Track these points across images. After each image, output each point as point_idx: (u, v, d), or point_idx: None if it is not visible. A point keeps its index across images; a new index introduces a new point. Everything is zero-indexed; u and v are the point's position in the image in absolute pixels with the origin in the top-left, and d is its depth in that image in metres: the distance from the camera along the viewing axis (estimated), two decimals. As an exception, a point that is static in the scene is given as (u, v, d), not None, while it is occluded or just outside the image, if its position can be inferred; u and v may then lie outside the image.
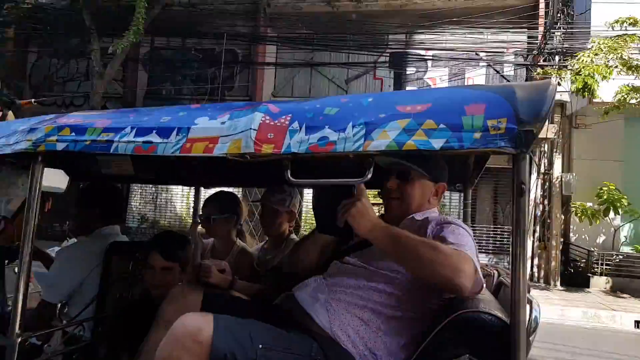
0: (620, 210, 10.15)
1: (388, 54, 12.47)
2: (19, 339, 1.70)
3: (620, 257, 10.44)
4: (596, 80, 8.38)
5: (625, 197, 10.12)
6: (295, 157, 1.52)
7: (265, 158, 1.55)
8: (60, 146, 1.70)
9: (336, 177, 2.91)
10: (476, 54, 11.73)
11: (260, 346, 1.53)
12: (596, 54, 8.45)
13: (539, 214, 11.14)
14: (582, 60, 8.48)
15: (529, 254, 11.04)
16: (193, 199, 3.28)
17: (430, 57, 12.21)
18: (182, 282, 2.26)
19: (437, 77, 12.28)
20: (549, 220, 11.07)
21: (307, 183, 1.62)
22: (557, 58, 10.33)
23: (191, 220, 3.17)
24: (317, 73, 12.93)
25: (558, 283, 10.70)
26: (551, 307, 8.05)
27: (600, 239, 10.98)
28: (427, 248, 1.49)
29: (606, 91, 8.77)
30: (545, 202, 11.18)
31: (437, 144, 1.42)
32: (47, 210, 2.99)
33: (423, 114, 1.47)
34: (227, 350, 1.48)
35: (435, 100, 1.53)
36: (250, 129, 1.57)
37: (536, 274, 11.03)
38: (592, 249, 10.60)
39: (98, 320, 2.21)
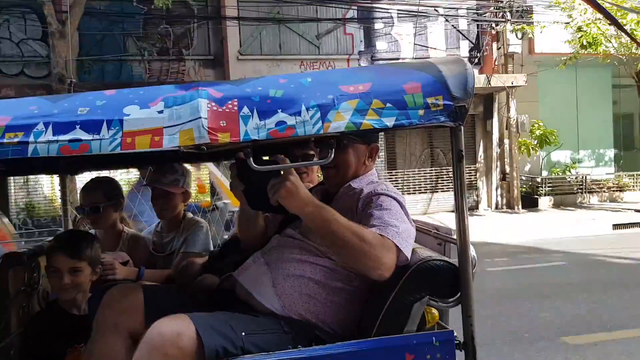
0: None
1: (356, 8, 12.23)
2: None
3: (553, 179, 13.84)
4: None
5: (554, 131, 13.13)
6: (255, 144, 1.50)
7: (222, 147, 1.49)
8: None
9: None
10: (435, 10, 12.56)
11: (243, 333, 1.53)
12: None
13: (498, 151, 13.46)
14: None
15: (494, 185, 13.68)
16: (60, 190, 2.89)
17: (396, 12, 12.46)
18: (93, 281, 2.07)
19: (403, 32, 12.83)
20: (507, 159, 13.30)
21: (273, 168, 1.61)
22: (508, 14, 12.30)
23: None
24: (285, 29, 11.82)
25: (520, 207, 13.02)
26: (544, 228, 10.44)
27: (527, 167, 14.19)
28: (353, 236, 1.55)
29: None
30: (506, 140, 13.39)
31: (389, 122, 1.54)
32: None
33: (368, 94, 1.57)
34: (218, 346, 1.45)
35: (374, 79, 1.63)
36: (200, 117, 1.48)
37: (500, 202, 13.56)
38: (536, 177, 13.79)
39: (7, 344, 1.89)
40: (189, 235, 2.71)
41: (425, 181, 13.60)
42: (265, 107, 1.53)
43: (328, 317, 1.74)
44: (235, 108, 1.52)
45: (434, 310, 1.74)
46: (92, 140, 1.43)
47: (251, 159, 1.53)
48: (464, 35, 13.54)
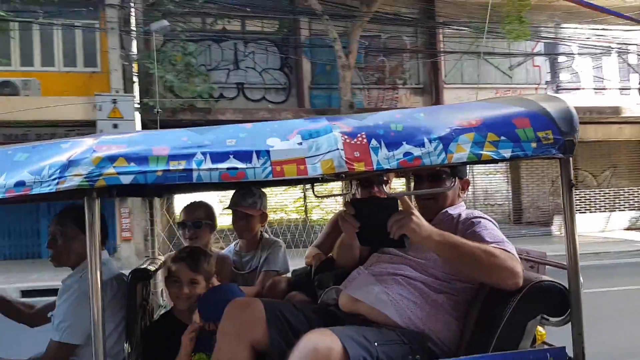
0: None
1: (543, 43, 13.59)
2: None
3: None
4: None
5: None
6: (387, 172, 1.67)
7: (358, 176, 1.65)
8: (125, 179, 1.55)
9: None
10: (609, 46, 13.91)
11: (376, 344, 1.67)
12: None
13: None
14: None
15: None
16: (148, 212, 3.09)
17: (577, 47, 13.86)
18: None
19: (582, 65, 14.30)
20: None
21: (407, 194, 1.77)
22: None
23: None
24: (483, 61, 12.80)
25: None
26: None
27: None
28: (483, 254, 1.72)
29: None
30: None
31: (506, 153, 1.70)
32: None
33: (481, 128, 1.73)
34: (360, 357, 1.59)
35: (483, 114, 1.80)
36: (338, 149, 1.65)
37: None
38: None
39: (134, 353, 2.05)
40: (269, 254, 2.88)
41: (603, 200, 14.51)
42: (391, 139, 1.70)
43: (437, 328, 1.86)
44: (365, 140, 1.69)
45: (542, 329, 1.86)
46: (247, 168, 1.60)
47: (385, 186, 1.68)
48: (633, 69, 14.93)
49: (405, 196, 1.82)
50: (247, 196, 2.83)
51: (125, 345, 1.88)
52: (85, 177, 1.54)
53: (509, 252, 1.76)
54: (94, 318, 1.59)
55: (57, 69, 11.50)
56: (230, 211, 2.86)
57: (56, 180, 1.55)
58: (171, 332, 2.18)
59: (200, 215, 2.77)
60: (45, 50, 11.38)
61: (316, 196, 3.20)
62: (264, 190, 2.98)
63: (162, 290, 2.87)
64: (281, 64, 12.87)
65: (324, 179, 1.65)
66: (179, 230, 2.85)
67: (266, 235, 3.01)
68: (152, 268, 2.39)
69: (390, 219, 1.77)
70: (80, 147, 1.65)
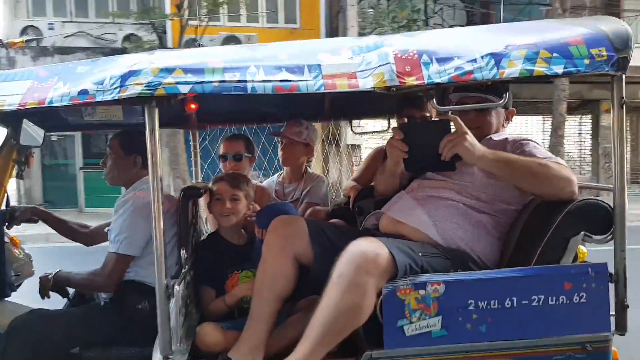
0: None
1: None
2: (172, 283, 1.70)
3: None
4: None
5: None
6: (438, 87, 1.68)
7: (409, 89, 1.67)
8: (184, 88, 1.61)
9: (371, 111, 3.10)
10: None
11: (420, 254, 1.74)
12: None
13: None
14: None
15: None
16: (191, 144, 3.18)
17: None
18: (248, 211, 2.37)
19: None
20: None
21: (454, 109, 1.79)
22: None
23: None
24: None
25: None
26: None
27: None
28: (538, 166, 1.78)
29: None
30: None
31: (558, 69, 1.68)
32: (29, 166, 2.70)
33: (535, 45, 1.71)
34: (405, 263, 1.67)
35: (537, 33, 1.78)
36: (389, 63, 1.66)
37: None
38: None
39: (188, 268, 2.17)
40: (312, 187, 2.96)
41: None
42: (442, 54, 1.70)
43: (478, 248, 1.91)
44: (416, 56, 1.70)
45: (583, 249, 1.89)
46: (299, 81, 1.64)
47: (434, 100, 1.70)
48: None
49: (457, 117, 1.83)
50: (294, 125, 2.91)
51: (182, 252, 1.98)
52: (145, 86, 1.60)
53: (561, 164, 1.80)
54: (154, 224, 1.68)
55: (260, 24, 11.74)
56: None
57: (118, 89, 1.62)
58: (218, 250, 2.30)
59: (241, 148, 2.86)
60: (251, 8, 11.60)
61: (354, 132, 3.24)
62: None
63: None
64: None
65: (374, 93, 1.67)
66: (219, 162, 2.92)
67: (310, 170, 3.09)
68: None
69: (444, 139, 1.79)
70: (138, 59, 1.71)
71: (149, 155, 1.65)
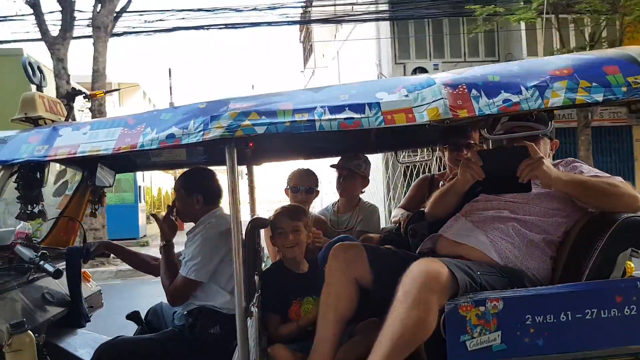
0: None
1: None
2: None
3: None
4: None
5: None
6: (488, 118, 1.85)
7: (462, 122, 1.84)
8: (259, 129, 1.81)
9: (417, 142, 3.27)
10: None
11: (479, 272, 1.87)
12: None
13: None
14: None
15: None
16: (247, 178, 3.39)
17: None
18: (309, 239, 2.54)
19: None
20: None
21: (504, 137, 1.96)
22: None
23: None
24: None
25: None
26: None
27: None
28: (606, 185, 1.94)
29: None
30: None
31: (598, 97, 1.83)
32: (103, 204, 2.94)
33: (574, 76, 1.87)
34: (465, 281, 1.80)
35: (574, 65, 1.93)
36: (442, 98, 1.84)
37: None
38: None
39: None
40: (366, 216, 3.14)
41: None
42: (489, 88, 1.87)
43: (532, 265, 2.04)
44: (466, 90, 1.87)
45: (631, 264, 1.99)
46: (362, 118, 1.82)
47: (485, 130, 1.86)
48: None
49: (533, 144, 2.01)
50: (354, 158, 3.12)
51: (255, 278, 2.15)
52: (226, 129, 1.80)
53: (625, 182, 1.97)
54: (235, 252, 1.85)
55: (462, 59, 12.89)
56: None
57: (202, 132, 1.83)
58: (282, 279, 2.46)
59: (312, 182, 3.09)
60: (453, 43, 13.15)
61: (399, 163, 3.42)
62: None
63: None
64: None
65: (430, 126, 1.84)
66: (290, 194, 3.11)
67: (364, 200, 3.26)
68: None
69: (522, 163, 1.95)
70: (215, 105, 1.93)
71: (229, 190, 1.85)
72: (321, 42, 19.85)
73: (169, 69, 20.87)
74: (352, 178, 3.10)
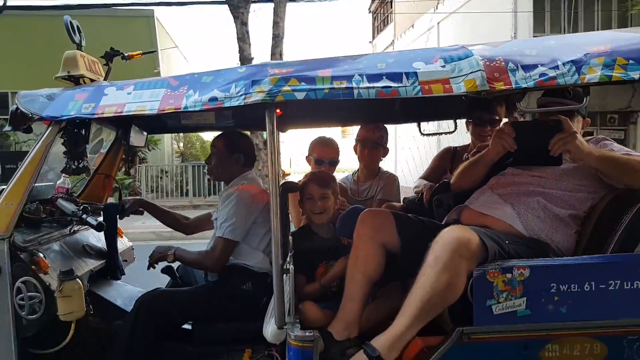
0: None
1: None
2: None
3: None
4: None
5: None
6: (524, 91, 1.87)
7: (497, 93, 1.88)
8: (299, 95, 1.86)
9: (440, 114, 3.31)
10: None
11: (507, 242, 1.93)
12: None
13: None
14: None
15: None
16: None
17: None
18: (336, 206, 2.60)
19: None
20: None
21: (539, 111, 1.99)
22: None
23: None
24: None
25: None
26: None
27: None
28: (636, 162, 1.96)
29: None
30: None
31: (635, 75, 1.84)
32: (135, 164, 3.03)
33: (611, 53, 1.89)
34: (495, 249, 1.87)
35: (611, 42, 1.94)
36: (480, 70, 1.87)
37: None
38: None
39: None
40: (386, 185, 3.19)
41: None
42: (526, 62, 1.89)
43: (557, 238, 2.09)
44: (503, 63, 1.90)
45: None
46: (399, 87, 1.86)
47: (520, 103, 1.89)
48: None
49: (567, 119, 2.04)
50: (377, 130, 3.16)
51: (289, 239, 2.23)
52: (267, 93, 1.86)
53: None
54: (272, 212, 1.92)
55: None
56: None
57: (243, 96, 1.88)
58: (309, 243, 2.54)
59: (336, 155, 3.13)
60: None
61: (422, 134, 3.45)
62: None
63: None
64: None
65: (466, 97, 1.88)
66: (313, 164, 3.17)
67: (383, 169, 3.31)
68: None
69: (554, 137, 1.99)
70: (255, 70, 1.98)
71: (269, 153, 1.91)
72: (413, 13, 18.77)
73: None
74: (375, 149, 3.15)
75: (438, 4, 16.86)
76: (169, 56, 16.28)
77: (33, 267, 2.01)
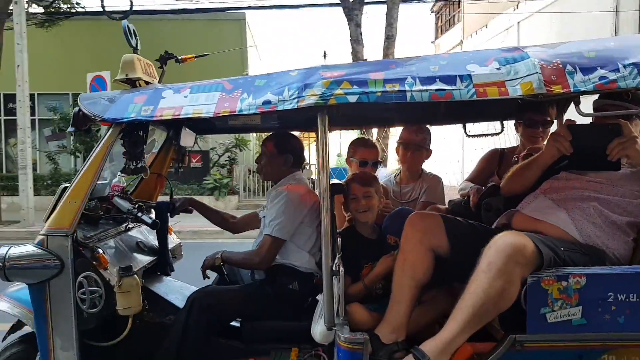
0: None
1: None
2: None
3: None
4: None
5: None
6: (582, 94, 1.83)
7: (554, 97, 1.84)
8: (352, 98, 1.88)
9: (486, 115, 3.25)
10: None
11: (562, 248, 1.89)
12: None
13: None
14: None
15: None
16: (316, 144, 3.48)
17: None
18: (380, 205, 2.59)
19: None
20: None
21: (599, 115, 1.94)
22: None
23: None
24: None
25: None
26: None
27: None
28: None
29: None
30: None
31: (700, 78, 1.78)
32: (185, 164, 3.11)
33: None
34: (550, 256, 1.84)
35: None
36: (537, 72, 1.83)
37: None
38: None
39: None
40: (430, 186, 3.15)
41: None
42: (585, 65, 1.85)
43: (613, 246, 2.02)
44: (560, 66, 1.86)
45: None
46: (453, 90, 1.85)
47: (579, 106, 1.85)
48: None
49: (628, 123, 1.97)
50: (420, 132, 3.13)
51: (338, 240, 2.25)
52: (320, 97, 1.88)
53: None
54: (323, 213, 1.94)
55: None
56: None
57: (296, 99, 1.91)
58: (354, 243, 2.55)
59: (377, 157, 3.13)
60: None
61: (468, 135, 3.40)
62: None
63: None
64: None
65: (522, 100, 1.85)
66: (356, 166, 3.18)
67: (426, 170, 3.28)
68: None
69: (614, 141, 1.94)
70: (307, 73, 2.00)
71: (319, 154, 1.93)
72: (486, 13, 18.41)
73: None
74: (418, 151, 3.11)
75: (519, 3, 16.36)
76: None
77: (94, 262, 2.10)
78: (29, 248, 2.14)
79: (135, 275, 2.08)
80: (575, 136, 2.02)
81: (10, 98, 14.03)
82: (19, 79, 10.26)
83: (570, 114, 2.32)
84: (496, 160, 3.18)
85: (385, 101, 1.87)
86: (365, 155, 3.10)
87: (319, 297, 2.66)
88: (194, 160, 13.52)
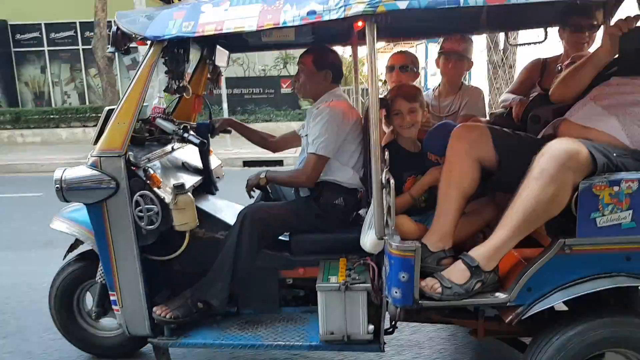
0: None
1: None
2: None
3: None
4: None
5: None
6: None
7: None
8: (402, 5, 1.80)
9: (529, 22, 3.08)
10: None
11: (614, 154, 1.88)
12: None
13: None
14: None
15: None
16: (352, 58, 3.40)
17: None
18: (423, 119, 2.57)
19: None
20: None
21: None
22: None
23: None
24: None
25: None
26: None
27: None
28: None
29: None
30: None
31: None
32: (219, 84, 3.09)
33: None
34: (603, 161, 1.83)
35: None
36: None
37: None
38: None
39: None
40: (469, 100, 3.08)
41: None
42: None
43: None
44: None
45: None
46: None
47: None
48: None
49: None
50: (462, 41, 3.02)
51: (386, 154, 2.25)
52: (368, 4, 1.80)
53: None
54: (372, 128, 1.93)
55: None
56: None
57: (343, 8, 1.84)
58: (398, 157, 2.54)
59: (407, 61, 3.10)
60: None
61: (509, 44, 3.27)
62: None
63: None
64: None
65: (548, 4, 1.76)
66: (398, 73, 3.13)
67: (466, 83, 3.20)
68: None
69: None
70: None
71: (369, 66, 1.89)
72: None
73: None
74: (460, 61, 3.02)
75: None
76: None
77: (147, 182, 2.16)
78: (83, 170, 2.21)
79: (189, 193, 2.14)
80: (627, 38, 1.93)
81: (87, 26, 13.75)
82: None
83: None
84: (538, 70, 3.07)
85: (437, 6, 1.79)
86: (394, 60, 3.03)
87: (361, 211, 2.73)
88: (284, 86, 13.16)
